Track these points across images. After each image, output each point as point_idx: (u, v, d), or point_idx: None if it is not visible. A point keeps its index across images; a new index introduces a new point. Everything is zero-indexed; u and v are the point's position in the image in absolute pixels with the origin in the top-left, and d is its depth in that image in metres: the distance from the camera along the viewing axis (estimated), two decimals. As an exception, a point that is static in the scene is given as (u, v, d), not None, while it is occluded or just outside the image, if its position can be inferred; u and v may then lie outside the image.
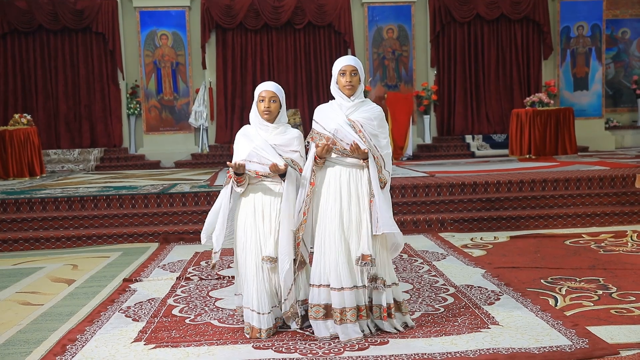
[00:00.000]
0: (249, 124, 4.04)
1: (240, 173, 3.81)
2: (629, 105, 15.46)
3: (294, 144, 3.96)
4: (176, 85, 13.76)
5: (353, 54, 13.92)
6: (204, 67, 13.79)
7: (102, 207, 7.86)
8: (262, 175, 3.84)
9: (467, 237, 7.03)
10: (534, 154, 11.66)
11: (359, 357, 3.44)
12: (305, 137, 4.01)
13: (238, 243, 3.96)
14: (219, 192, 7.68)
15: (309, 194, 3.78)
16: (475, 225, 7.39)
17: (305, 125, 13.39)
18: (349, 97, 3.89)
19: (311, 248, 3.90)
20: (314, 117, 3.98)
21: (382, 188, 3.79)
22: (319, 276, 3.76)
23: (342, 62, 3.91)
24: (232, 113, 14.07)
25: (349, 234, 3.75)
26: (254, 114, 4.01)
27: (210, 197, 7.90)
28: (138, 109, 13.75)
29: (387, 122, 12.74)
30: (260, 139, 3.91)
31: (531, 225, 7.38)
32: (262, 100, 3.91)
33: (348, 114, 3.86)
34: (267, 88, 3.94)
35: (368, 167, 3.77)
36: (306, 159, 3.94)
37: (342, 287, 3.69)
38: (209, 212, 4.09)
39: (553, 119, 11.76)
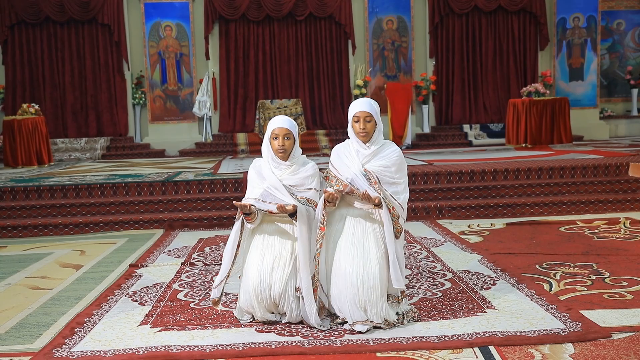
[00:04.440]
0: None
1: (247, 213, 3.70)
2: (623, 95, 15.50)
3: (308, 182, 3.83)
4: (180, 75, 13.87)
5: (353, 44, 14.09)
6: (207, 57, 13.88)
7: (109, 194, 7.92)
8: (274, 214, 3.72)
9: (464, 223, 7.06)
10: (530, 142, 11.71)
11: (359, 339, 3.48)
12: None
13: (244, 269, 3.85)
14: (222, 180, 8.03)
15: (318, 239, 3.65)
16: (473, 213, 7.44)
17: (306, 114, 13.56)
18: (365, 144, 3.75)
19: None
20: (330, 159, 3.85)
21: (397, 237, 3.67)
22: (336, 308, 3.69)
23: (355, 108, 3.75)
24: (235, 103, 14.19)
25: (365, 272, 3.59)
26: (266, 149, 3.84)
27: (213, 184, 8.00)
28: (143, 99, 13.86)
29: (387, 111, 13.03)
30: (274, 178, 3.78)
31: (527, 213, 7.41)
32: (276, 138, 3.76)
33: (364, 162, 3.74)
34: (280, 125, 3.77)
35: (381, 218, 3.64)
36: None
37: (355, 322, 3.62)
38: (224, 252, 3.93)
39: (549, 109, 11.80)
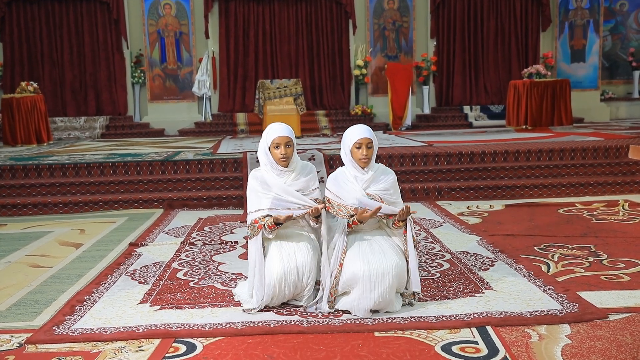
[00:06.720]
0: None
1: (279, 223, 3.66)
2: (625, 77, 15.43)
3: (311, 184, 3.84)
4: (179, 54, 13.80)
5: (354, 24, 14.02)
6: (207, 36, 13.82)
7: (108, 173, 7.92)
8: (299, 218, 3.74)
9: (463, 205, 7.08)
10: (530, 124, 11.70)
11: (357, 319, 3.52)
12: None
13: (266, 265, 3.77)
14: (222, 160, 8.00)
15: (340, 268, 3.65)
16: (472, 194, 7.45)
17: (305, 94, 13.51)
18: (363, 169, 3.77)
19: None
20: (327, 188, 3.82)
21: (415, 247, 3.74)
22: (344, 305, 3.68)
23: (357, 135, 3.73)
24: (234, 82, 14.15)
25: (376, 279, 3.57)
26: (265, 158, 3.80)
27: (213, 164, 8.00)
28: (142, 78, 13.82)
29: (387, 92, 13.00)
30: (281, 184, 3.76)
31: (526, 194, 7.43)
32: (278, 147, 3.73)
33: (365, 187, 3.76)
34: (281, 134, 3.74)
35: (405, 229, 3.72)
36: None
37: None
38: (249, 274, 3.83)
39: (550, 91, 11.77)
